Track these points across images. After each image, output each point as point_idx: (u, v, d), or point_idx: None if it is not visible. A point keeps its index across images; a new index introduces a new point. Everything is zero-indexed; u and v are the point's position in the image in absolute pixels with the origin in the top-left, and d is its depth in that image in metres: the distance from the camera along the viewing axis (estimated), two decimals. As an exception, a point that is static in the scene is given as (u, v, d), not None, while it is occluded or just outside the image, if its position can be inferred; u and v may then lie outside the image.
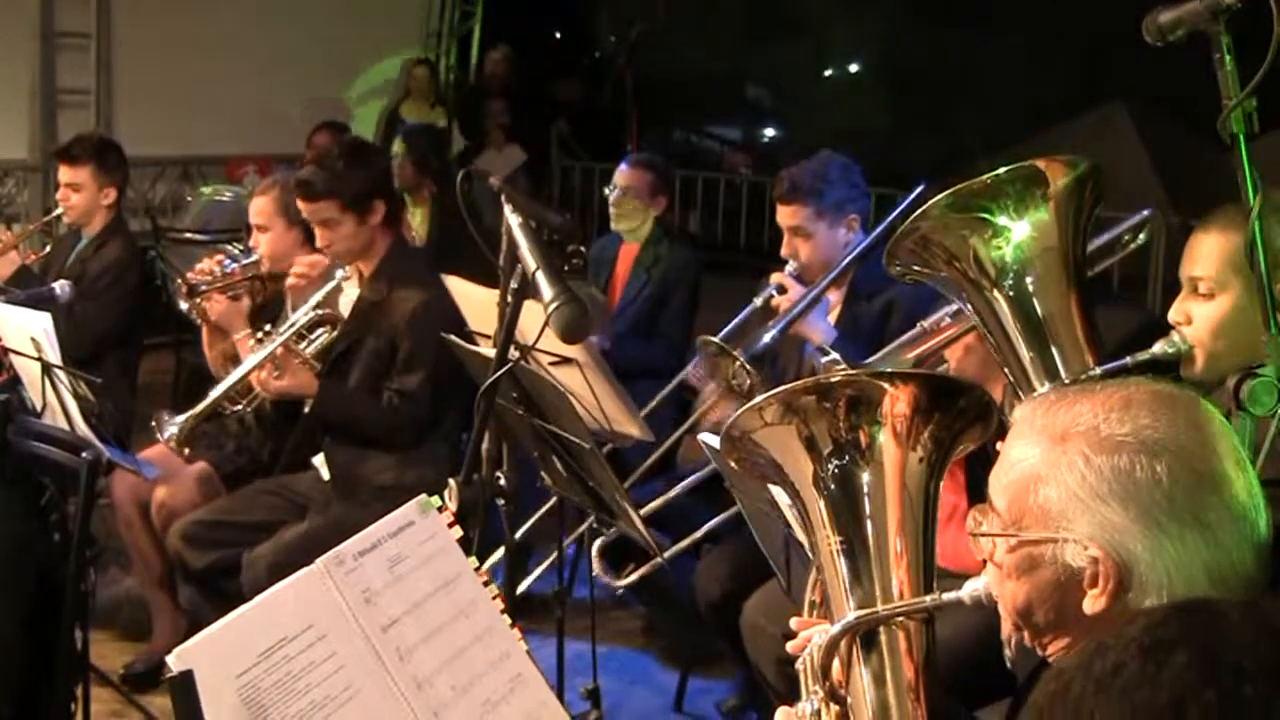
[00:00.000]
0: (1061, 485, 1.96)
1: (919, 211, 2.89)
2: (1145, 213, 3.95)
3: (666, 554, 4.10)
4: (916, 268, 3.01)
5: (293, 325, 5.14)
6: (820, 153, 5.11)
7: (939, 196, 2.87)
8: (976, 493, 3.73)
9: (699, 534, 4.48)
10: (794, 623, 2.57)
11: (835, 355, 3.92)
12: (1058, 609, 2.00)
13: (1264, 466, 2.43)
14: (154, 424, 5.14)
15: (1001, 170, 2.84)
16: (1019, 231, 2.84)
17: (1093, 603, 1.94)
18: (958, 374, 3.77)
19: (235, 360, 5.35)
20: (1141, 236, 3.94)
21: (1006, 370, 2.93)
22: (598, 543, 4.65)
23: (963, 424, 2.38)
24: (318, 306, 5.17)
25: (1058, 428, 2.00)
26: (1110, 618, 1.91)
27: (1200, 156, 10.99)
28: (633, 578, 4.44)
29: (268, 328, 5.19)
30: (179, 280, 5.53)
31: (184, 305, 5.52)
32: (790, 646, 2.53)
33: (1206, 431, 1.96)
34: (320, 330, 5.19)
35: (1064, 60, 16.83)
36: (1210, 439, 1.95)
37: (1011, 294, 2.86)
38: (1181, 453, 1.92)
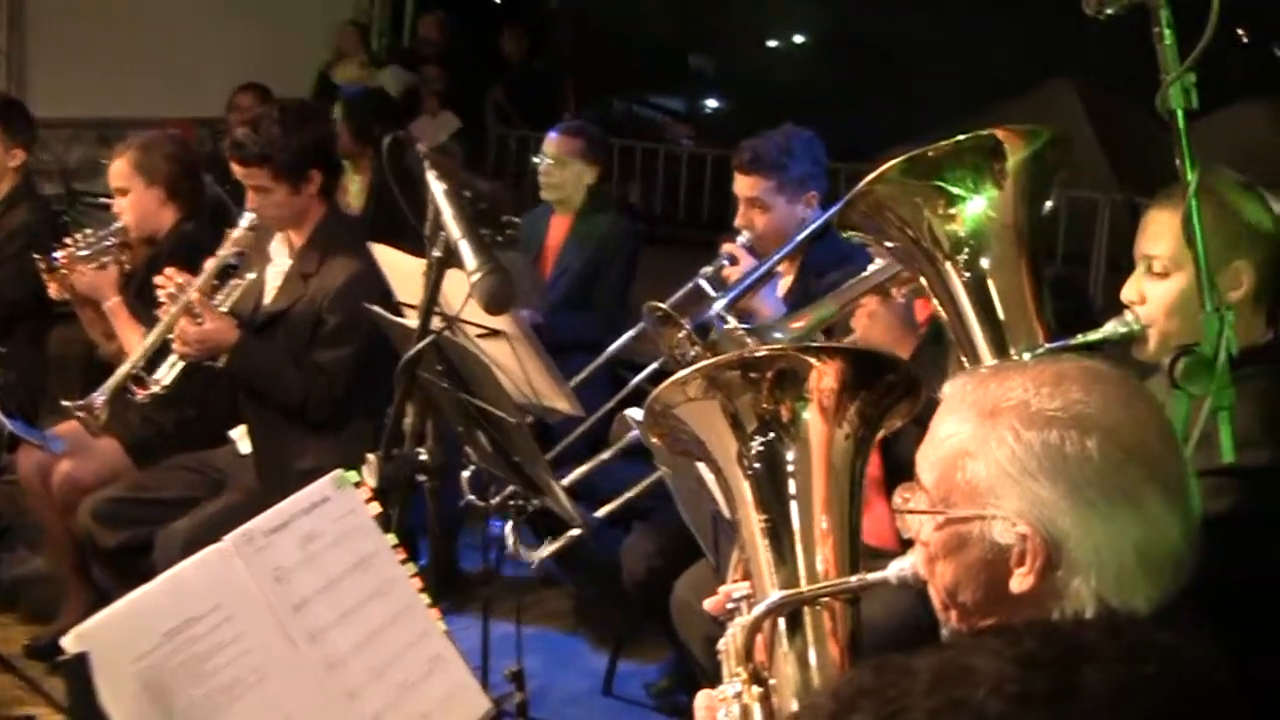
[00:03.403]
0: (990, 461, 1.95)
1: (873, 175, 2.87)
2: None
3: (580, 528, 4.07)
4: (868, 233, 3.01)
5: (204, 274, 5.05)
6: (785, 125, 5.15)
7: (894, 161, 2.85)
8: (892, 469, 3.75)
9: (615, 504, 4.45)
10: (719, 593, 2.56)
11: (734, 322, 3.91)
12: (986, 588, 1.99)
13: (1198, 452, 2.46)
14: (66, 404, 5.06)
15: (961, 137, 2.83)
16: (974, 205, 2.83)
17: (1020, 581, 1.93)
18: (863, 340, 3.78)
19: (116, 337, 5.27)
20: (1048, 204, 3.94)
21: (957, 345, 2.92)
22: (507, 526, 4.59)
23: (890, 400, 2.39)
24: (233, 250, 5.09)
25: (987, 402, 1.99)
26: (1038, 597, 1.92)
27: (1148, 134, 11.06)
28: (546, 551, 4.41)
29: (171, 290, 5.04)
30: (37, 257, 5.41)
31: (51, 288, 5.40)
32: (708, 604, 2.53)
33: (1139, 408, 1.97)
34: (233, 280, 5.12)
35: (1011, 35, 16.91)
36: (1142, 416, 1.96)
37: (964, 268, 2.85)
38: (1113, 429, 1.92)
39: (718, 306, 4.27)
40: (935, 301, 2.94)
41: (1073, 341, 2.82)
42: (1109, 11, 2.55)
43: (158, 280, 5.04)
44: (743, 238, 4.97)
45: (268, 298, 5.11)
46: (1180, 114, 2.50)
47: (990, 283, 2.84)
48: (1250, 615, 2.71)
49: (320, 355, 4.91)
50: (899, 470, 3.08)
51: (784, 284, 4.98)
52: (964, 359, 2.88)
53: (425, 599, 2.88)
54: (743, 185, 5.04)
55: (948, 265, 2.86)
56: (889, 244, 2.99)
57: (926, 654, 1.89)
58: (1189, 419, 2.53)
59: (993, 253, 2.84)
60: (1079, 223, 10.53)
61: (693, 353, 4.18)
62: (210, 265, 5.06)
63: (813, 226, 4.74)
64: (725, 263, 4.86)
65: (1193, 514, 1.95)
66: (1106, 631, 1.85)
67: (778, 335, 3.79)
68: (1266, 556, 2.83)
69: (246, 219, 5.07)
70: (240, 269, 5.15)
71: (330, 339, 4.92)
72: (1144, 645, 1.83)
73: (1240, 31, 17.86)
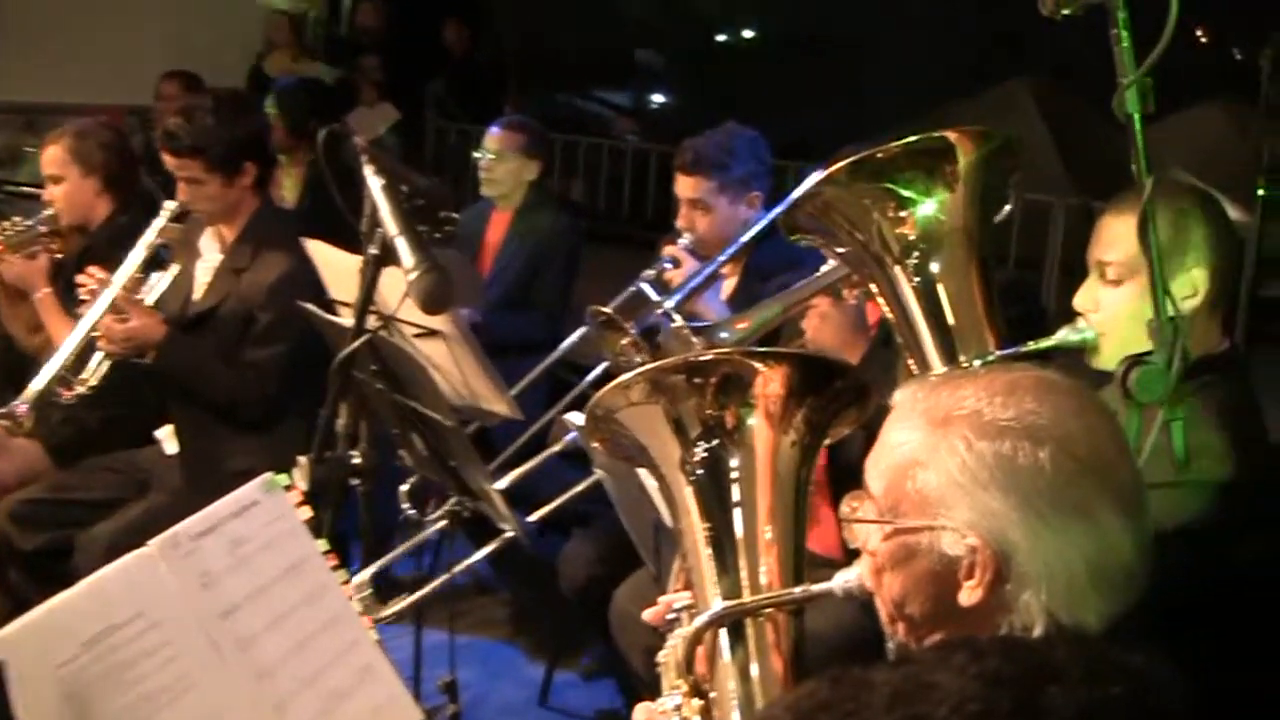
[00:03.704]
0: (941, 470, 1.96)
1: (822, 176, 2.88)
2: None
3: (515, 532, 4.06)
4: (816, 235, 3.01)
5: (127, 267, 5.00)
6: (726, 124, 5.14)
7: (843, 162, 2.86)
8: (840, 477, 3.75)
9: (549, 508, 4.44)
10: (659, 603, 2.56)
11: (680, 320, 3.91)
12: (934, 600, 2.00)
13: (1152, 463, 2.47)
14: None
15: (912, 138, 2.84)
16: (925, 209, 2.84)
17: (969, 594, 1.94)
18: (814, 343, 3.79)
19: (40, 330, 5.23)
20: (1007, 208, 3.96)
21: (906, 351, 2.93)
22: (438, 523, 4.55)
23: (838, 406, 2.39)
24: (152, 244, 5.05)
25: (939, 411, 2.00)
26: (987, 611, 1.93)
27: (1104, 136, 11.12)
28: (474, 559, 4.37)
29: (92, 286, 5.00)
30: None
31: None
32: (648, 614, 2.53)
33: (1092, 419, 1.98)
34: (156, 272, 5.08)
35: (966, 33, 17.02)
36: (1096, 427, 1.97)
37: (914, 273, 2.86)
38: (1066, 440, 1.93)
39: (661, 310, 4.26)
40: (885, 306, 2.94)
41: (1024, 349, 2.83)
42: (1065, 12, 2.56)
43: (79, 279, 5.01)
44: (684, 240, 4.97)
45: (197, 293, 5.06)
46: (1137, 118, 2.52)
47: (940, 288, 2.85)
48: (1204, 630, 2.74)
49: (251, 354, 4.88)
50: (846, 478, 3.08)
51: (728, 287, 4.99)
52: (913, 365, 2.89)
53: (357, 606, 2.86)
54: (684, 186, 5.04)
55: (897, 269, 2.87)
56: (838, 247, 2.99)
57: (886, 668, 1.89)
58: (1142, 430, 2.55)
59: (943, 257, 2.85)
60: (1032, 226, 10.56)
61: (638, 359, 4.17)
62: (133, 258, 5.02)
63: (757, 228, 4.73)
64: (667, 265, 4.85)
65: (1146, 527, 1.96)
66: (1072, 651, 1.85)
67: (724, 335, 3.79)
68: (1223, 571, 2.86)
69: (168, 209, 5.04)
70: (166, 261, 5.12)
71: (262, 337, 4.88)
72: (1110, 666, 1.84)
73: (1199, 33, 18.03)
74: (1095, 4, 2.52)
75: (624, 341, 4.22)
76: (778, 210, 4.51)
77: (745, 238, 4.66)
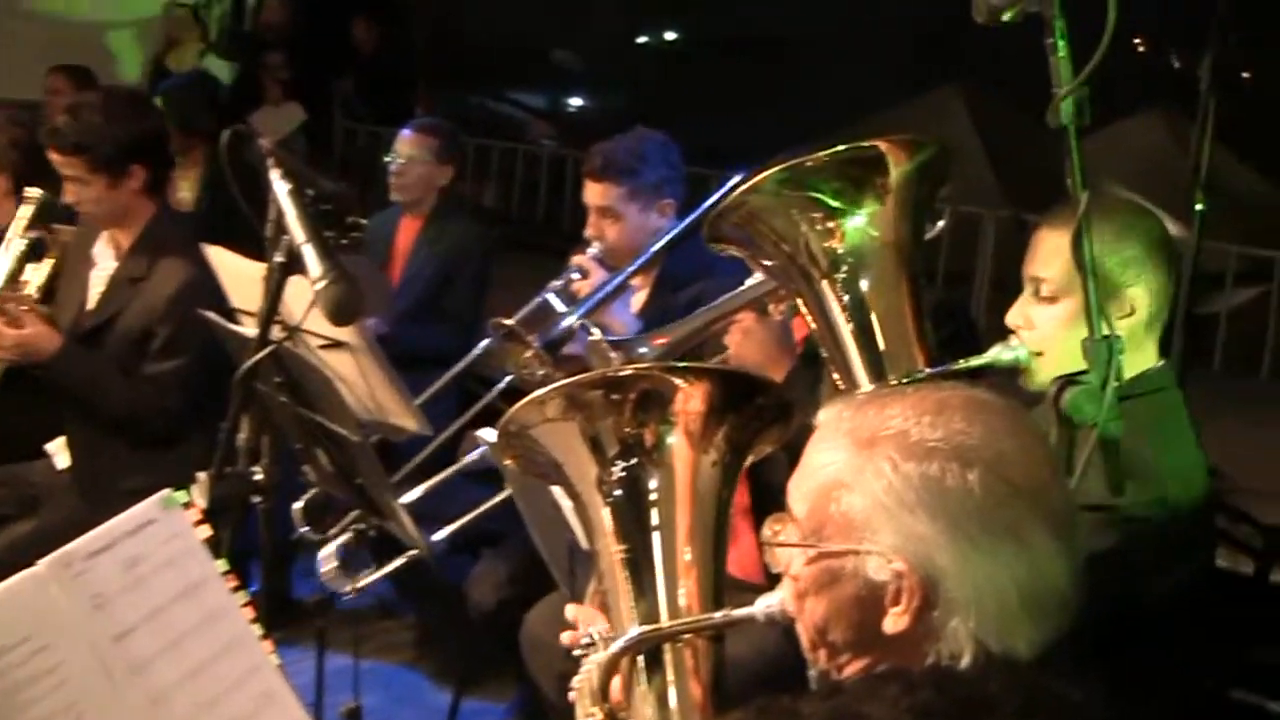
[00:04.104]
0: (866, 493, 1.96)
1: (748, 184, 2.87)
2: None
3: (420, 551, 4.04)
4: (740, 246, 3.01)
5: (7, 266, 4.95)
6: (636, 128, 5.11)
7: (770, 170, 2.85)
8: (762, 498, 3.77)
9: (456, 525, 4.41)
10: (569, 611, 2.56)
11: (598, 334, 3.91)
12: (857, 627, 2.00)
13: (1083, 485, 2.49)
14: None
15: (841, 147, 2.83)
16: (854, 221, 2.84)
17: (894, 621, 1.94)
18: (737, 359, 3.79)
19: None
20: (940, 224, 3.98)
21: (832, 368, 2.94)
22: (330, 548, 4.51)
23: (760, 425, 2.40)
24: (26, 235, 5.00)
25: (865, 431, 2.00)
26: (913, 638, 1.94)
27: (1039, 145, 11.18)
28: (373, 577, 4.34)
29: None
30: None
31: None
32: (565, 638, 2.53)
33: (1023, 440, 1.99)
34: (32, 268, 5.02)
35: (898, 37, 17.11)
36: (1027, 448, 1.98)
37: (842, 287, 2.86)
38: (996, 461, 1.93)
39: (569, 321, 4.26)
40: (811, 322, 2.95)
41: (954, 367, 2.84)
42: (1003, 19, 2.57)
43: None
44: (593, 249, 4.92)
45: (91, 303, 5.01)
46: (1072, 130, 2.53)
47: (869, 303, 2.86)
48: (1130, 656, 2.77)
49: (151, 368, 4.83)
50: (768, 500, 3.10)
51: (638, 299, 4.96)
52: (839, 383, 2.90)
53: (257, 629, 2.84)
54: (593, 193, 5.00)
55: (824, 284, 2.87)
56: (764, 259, 2.99)
57: (815, 699, 1.90)
58: (1075, 451, 2.55)
59: (872, 272, 2.85)
60: (962, 240, 10.60)
61: (541, 372, 4.17)
62: (9, 255, 4.97)
63: (669, 236, 4.71)
64: (575, 276, 4.82)
65: (1077, 552, 1.97)
66: (1006, 683, 1.86)
67: (644, 350, 3.79)
68: (1149, 597, 2.88)
69: (31, 197, 4.98)
70: (42, 253, 5.06)
71: (162, 351, 4.83)
72: (1046, 699, 1.85)
73: (1137, 41, 18.22)
74: (1032, 12, 2.53)
75: (527, 355, 4.21)
76: (691, 218, 4.55)
77: (656, 247, 4.65)
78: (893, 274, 2.88)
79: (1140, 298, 3.02)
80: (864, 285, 2.86)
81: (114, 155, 4.81)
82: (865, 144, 2.86)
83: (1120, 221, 3.03)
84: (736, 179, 4.07)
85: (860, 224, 2.85)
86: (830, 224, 2.85)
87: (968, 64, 14.47)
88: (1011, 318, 3.09)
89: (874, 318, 2.86)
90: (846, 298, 2.86)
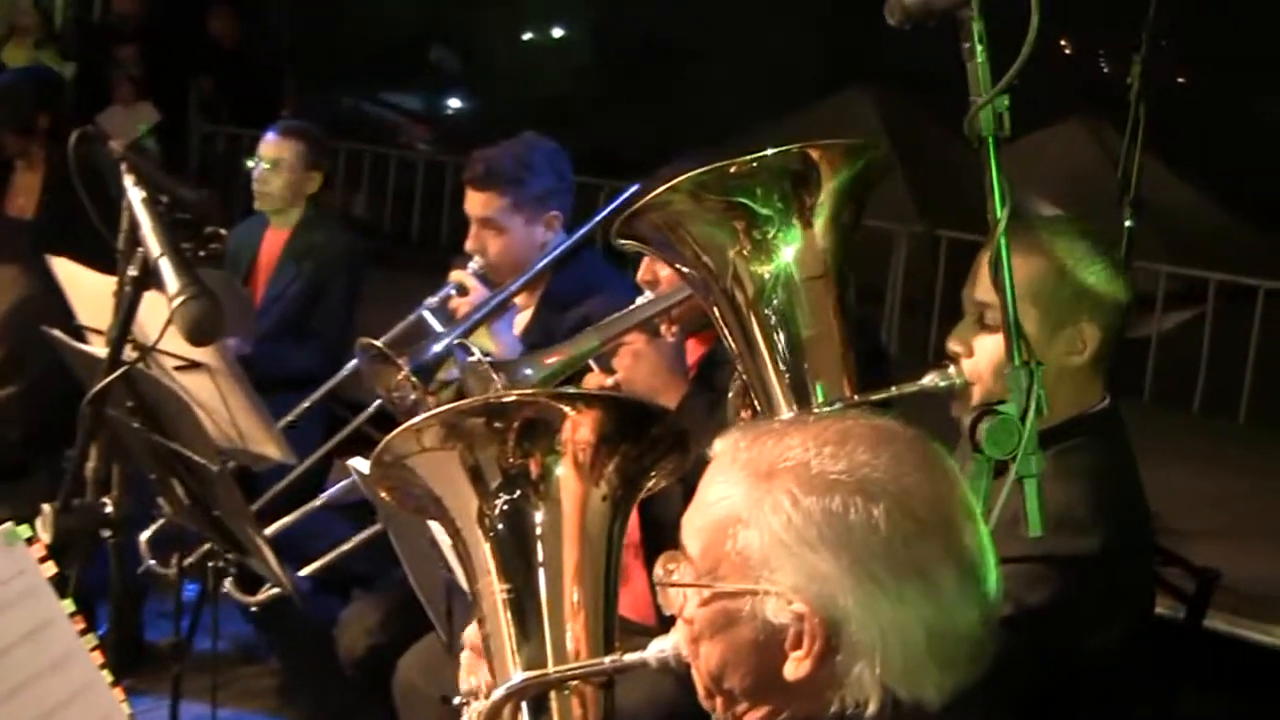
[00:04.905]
0: (764, 529, 1.95)
1: (667, 186, 2.83)
2: None
3: (283, 589, 4.03)
4: (655, 251, 3.04)
5: None
6: (523, 135, 5.09)
7: (692, 173, 2.82)
8: (654, 535, 3.79)
9: (323, 561, 4.40)
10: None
11: (478, 354, 3.90)
12: (756, 673, 2.00)
13: (1008, 531, 2.46)
14: None
15: (769, 152, 2.80)
16: (779, 231, 2.82)
17: (795, 666, 1.94)
18: (626, 383, 3.81)
19: None
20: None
21: (751, 392, 2.94)
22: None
23: (654, 456, 2.41)
24: None
25: (763, 463, 2.00)
26: (815, 685, 1.94)
27: (956, 153, 11.13)
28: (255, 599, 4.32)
29: None
30: None
31: None
32: (464, 691, 2.52)
33: (934, 474, 1.99)
34: None
35: (803, 36, 17.21)
36: (936, 482, 1.99)
37: (764, 303, 2.85)
38: (903, 496, 1.94)
39: (445, 342, 4.24)
40: (730, 343, 2.94)
41: (884, 394, 2.84)
42: (917, 23, 2.57)
43: None
44: (474, 264, 4.87)
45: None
46: (991, 141, 2.53)
47: (792, 321, 2.85)
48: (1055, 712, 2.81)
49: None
50: (662, 537, 3.11)
51: (522, 318, 4.94)
52: (757, 408, 2.90)
53: (106, 676, 2.83)
54: (474, 203, 4.95)
55: (748, 306, 2.85)
56: (682, 268, 2.97)
57: None
58: (992, 488, 2.51)
59: (797, 287, 2.84)
60: (872, 257, 10.50)
61: (413, 396, 4.16)
62: None
63: (556, 251, 4.71)
64: (453, 293, 4.79)
65: (991, 595, 1.98)
66: None
67: (529, 373, 3.80)
68: (1077, 655, 2.90)
69: None
70: None
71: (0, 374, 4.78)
72: None
73: (1063, 43, 18.43)
74: (949, 12, 2.52)
75: (398, 378, 4.20)
76: (581, 232, 4.56)
77: (543, 263, 4.65)
78: (820, 289, 2.86)
79: (1092, 335, 3.04)
80: (788, 300, 2.84)
81: None
82: (793, 149, 2.83)
83: (1075, 253, 3.03)
84: (634, 188, 4.11)
85: (786, 234, 2.82)
86: (753, 233, 2.82)
87: (880, 64, 14.57)
88: (952, 344, 3.08)
89: (798, 336, 2.84)
90: (768, 312, 2.84)
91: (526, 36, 22.02)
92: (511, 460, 2.35)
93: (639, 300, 3.88)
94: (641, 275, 3.91)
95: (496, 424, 2.35)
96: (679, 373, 3.90)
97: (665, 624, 2.22)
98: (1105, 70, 18.53)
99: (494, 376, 3.78)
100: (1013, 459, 2.51)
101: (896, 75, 14.94)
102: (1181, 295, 11.25)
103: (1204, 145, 14.90)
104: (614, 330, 3.88)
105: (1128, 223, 5.81)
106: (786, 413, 2.80)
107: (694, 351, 4.04)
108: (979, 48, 2.53)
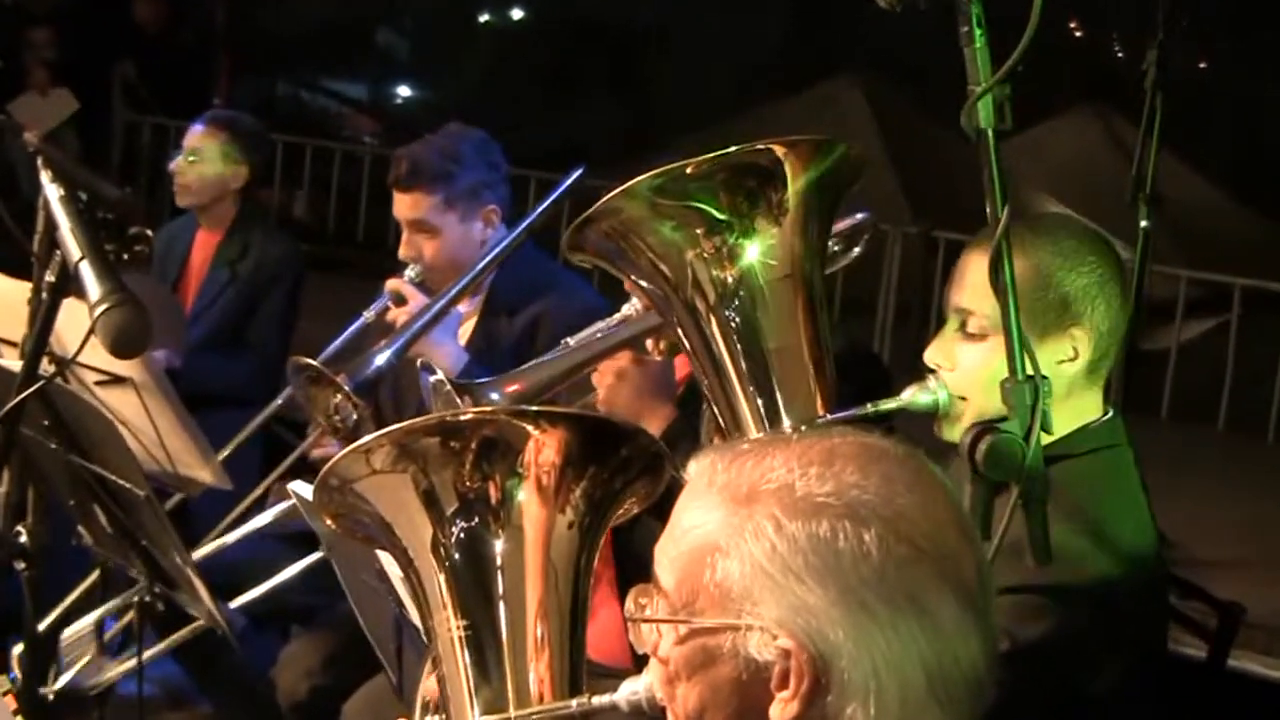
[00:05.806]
0: (745, 558, 1.94)
1: (620, 190, 2.83)
2: (860, 217, 3.92)
3: (217, 627, 4.02)
4: (609, 263, 3.01)
5: None
6: (448, 126, 5.09)
7: (646, 175, 2.82)
8: (626, 567, 3.79)
9: (258, 592, 4.37)
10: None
11: (441, 374, 3.88)
12: (738, 716, 1.98)
13: (1009, 559, 2.47)
14: None
15: (731, 149, 2.81)
16: (744, 237, 2.83)
17: (781, 708, 1.93)
18: (607, 406, 3.79)
19: None
20: (856, 250, 3.99)
21: (716, 412, 2.94)
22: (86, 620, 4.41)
23: (625, 479, 2.41)
24: None
25: (743, 486, 1.98)
26: (804, 728, 1.93)
27: (953, 148, 11.10)
28: (117, 670, 4.28)
29: None
30: None
31: None
32: None
33: (926, 496, 1.98)
34: None
35: (784, 20, 17.24)
36: (930, 505, 1.97)
37: (728, 316, 2.86)
38: (896, 520, 1.92)
39: (384, 357, 4.22)
40: (693, 358, 2.94)
41: (860, 411, 2.83)
42: (910, 6, 2.58)
43: None
44: (410, 271, 4.88)
45: None
46: (991, 135, 2.52)
47: (760, 335, 2.85)
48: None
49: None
50: (635, 569, 3.11)
51: (467, 327, 4.93)
52: (722, 429, 2.90)
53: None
54: (402, 205, 4.94)
55: (710, 316, 2.86)
56: (638, 280, 2.99)
57: None
58: (993, 513, 2.51)
59: (765, 297, 2.85)
60: (862, 261, 10.44)
61: (355, 416, 4.15)
62: None
63: (496, 250, 4.64)
64: (390, 303, 4.75)
65: (993, 629, 1.98)
66: None
67: (496, 396, 3.78)
68: (1094, 689, 2.90)
69: None
70: None
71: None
72: None
73: (1073, 25, 18.46)
74: None
75: (336, 399, 4.18)
76: (522, 225, 4.53)
77: (482, 263, 4.61)
78: (789, 299, 2.87)
79: (1084, 341, 3.02)
80: (754, 312, 2.85)
81: None
82: (759, 146, 2.84)
83: (1066, 251, 3.03)
84: (578, 173, 4.11)
85: (751, 240, 2.83)
86: (718, 242, 2.83)
87: (869, 50, 14.59)
88: (931, 355, 3.07)
89: (765, 351, 2.85)
90: (734, 326, 2.85)
91: (484, 19, 22.01)
92: (469, 484, 2.35)
93: (624, 309, 3.86)
94: (628, 283, 3.91)
95: (452, 444, 2.35)
96: (666, 395, 3.86)
97: (638, 664, 2.21)
98: (1119, 56, 18.56)
99: (458, 400, 3.76)
100: (1016, 481, 2.49)
101: (888, 58, 14.96)
102: (1203, 302, 11.22)
103: (1227, 138, 14.91)
104: (603, 345, 3.84)
105: (1144, 223, 5.77)
106: (754, 433, 2.80)
107: (683, 368, 4.02)
108: (978, 32, 2.52)
